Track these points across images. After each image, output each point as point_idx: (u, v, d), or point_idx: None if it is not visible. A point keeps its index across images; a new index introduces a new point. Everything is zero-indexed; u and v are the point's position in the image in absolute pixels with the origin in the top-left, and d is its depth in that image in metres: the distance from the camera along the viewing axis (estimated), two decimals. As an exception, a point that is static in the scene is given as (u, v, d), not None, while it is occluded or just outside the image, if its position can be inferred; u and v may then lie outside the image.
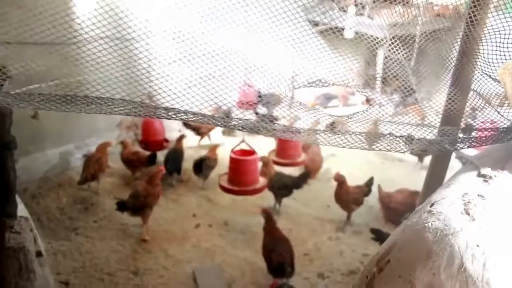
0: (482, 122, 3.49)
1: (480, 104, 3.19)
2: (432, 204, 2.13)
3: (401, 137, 2.59)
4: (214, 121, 2.64)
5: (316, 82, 3.66)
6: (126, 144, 5.81)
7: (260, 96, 5.56)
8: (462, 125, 3.27)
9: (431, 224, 1.96)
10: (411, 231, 2.07)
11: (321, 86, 3.75)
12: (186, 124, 6.00)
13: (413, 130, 2.95)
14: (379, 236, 4.53)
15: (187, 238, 4.94)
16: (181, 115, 2.60)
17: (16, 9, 2.99)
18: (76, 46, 2.96)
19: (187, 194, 5.70)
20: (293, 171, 5.76)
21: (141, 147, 5.78)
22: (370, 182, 5.41)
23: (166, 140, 5.84)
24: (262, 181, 4.84)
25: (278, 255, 4.20)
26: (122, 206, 4.79)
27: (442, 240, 1.89)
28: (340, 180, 5.22)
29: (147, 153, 5.70)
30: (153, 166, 5.70)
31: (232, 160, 4.69)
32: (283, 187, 5.41)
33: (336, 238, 5.07)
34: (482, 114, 3.28)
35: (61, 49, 2.99)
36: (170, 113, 2.61)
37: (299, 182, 5.47)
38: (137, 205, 4.77)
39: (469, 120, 3.54)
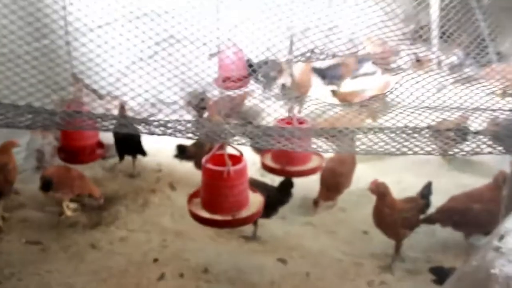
0: None
1: None
2: (502, 237, 1.73)
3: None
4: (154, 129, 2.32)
5: (308, 52, 3.25)
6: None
7: (251, 66, 4.21)
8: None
9: (500, 270, 1.59)
10: (471, 281, 1.72)
11: (316, 60, 3.42)
12: None
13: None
14: (441, 277, 3.51)
15: (146, 298, 3.63)
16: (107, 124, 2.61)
17: None
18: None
19: (143, 228, 4.21)
20: (302, 183, 4.12)
21: (61, 157, 3.91)
22: (427, 191, 4.01)
23: (101, 145, 3.97)
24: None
25: None
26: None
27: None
28: (380, 191, 3.87)
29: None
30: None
31: (205, 172, 2.76)
32: None
33: (381, 283, 3.75)
34: None
35: None
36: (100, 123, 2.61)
37: (280, 195, 4.11)
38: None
39: None
